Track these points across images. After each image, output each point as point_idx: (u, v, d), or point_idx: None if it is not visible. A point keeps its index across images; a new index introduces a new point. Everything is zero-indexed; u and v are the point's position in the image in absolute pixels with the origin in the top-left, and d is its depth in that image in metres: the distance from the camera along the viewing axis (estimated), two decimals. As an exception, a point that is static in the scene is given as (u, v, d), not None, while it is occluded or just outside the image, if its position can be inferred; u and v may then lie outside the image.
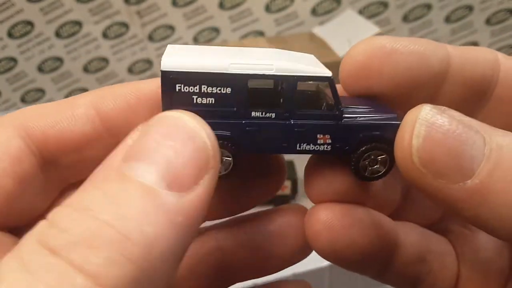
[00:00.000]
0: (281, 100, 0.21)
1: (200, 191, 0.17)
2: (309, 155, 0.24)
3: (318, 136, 0.22)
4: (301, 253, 0.27)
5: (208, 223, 0.28)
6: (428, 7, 1.15)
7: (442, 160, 0.18)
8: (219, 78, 0.20)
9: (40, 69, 1.11)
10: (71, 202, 0.16)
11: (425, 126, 0.18)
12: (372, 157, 0.22)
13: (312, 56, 0.24)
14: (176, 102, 0.20)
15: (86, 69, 1.13)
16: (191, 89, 0.20)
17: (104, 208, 0.15)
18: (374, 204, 0.25)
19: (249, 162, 0.26)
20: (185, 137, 0.17)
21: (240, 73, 0.20)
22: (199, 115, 0.19)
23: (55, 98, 0.84)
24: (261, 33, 1.13)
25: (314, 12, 1.12)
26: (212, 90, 0.20)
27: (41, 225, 0.16)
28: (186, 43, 1.12)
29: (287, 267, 0.28)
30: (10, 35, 1.08)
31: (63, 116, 0.23)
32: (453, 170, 0.18)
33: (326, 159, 0.24)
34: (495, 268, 0.26)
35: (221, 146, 0.21)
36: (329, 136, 0.22)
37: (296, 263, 0.28)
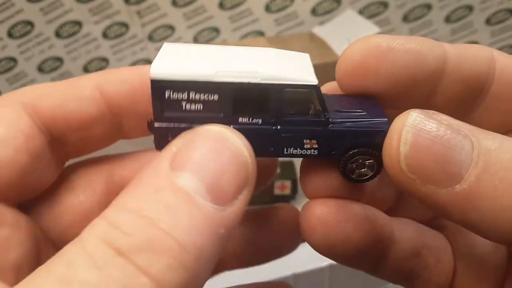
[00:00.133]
0: (268, 106, 0.21)
1: (238, 206, 0.19)
2: None
3: (305, 141, 0.22)
4: (290, 247, 0.30)
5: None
6: (428, 7, 1.14)
7: (430, 166, 0.18)
8: (205, 86, 0.20)
9: (40, 69, 1.11)
10: (130, 207, 0.17)
11: (412, 133, 0.18)
12: (360, 161, 0.22)
13: (307, 56, 0.24)
14: (166, 108, 0.21)
15: (86, 69, 1.13)
16: (180, 95, 0.21)
17: (163, 218, 0.17)
18: (369, 200, 0.25)
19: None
20: (230, 155, 0.19)
21: (225, 82, 0.20)
22: (189, 120, 0.20)
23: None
24: (261, 33, 1.13)
25: (314, 12, 1.12)
26: (200, 97, 0.21)
27: (101, 225, 0.17)
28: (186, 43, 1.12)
29: (275, 259, 0.30)
30: (10, 35, 1.08)
31: (70, 96, 0.24)
32: (442, 176, 0.18)
33: None
34: (491, 264, 0.26)
35: None
36: (315, 141, 0.22)
37: (284, 255, 0.30)
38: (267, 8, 1.10)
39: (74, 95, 0.24)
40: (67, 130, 0.24)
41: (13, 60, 1.11)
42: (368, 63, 0.22)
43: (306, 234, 0.24)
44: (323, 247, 0.24)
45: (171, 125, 0.21)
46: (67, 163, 0.27)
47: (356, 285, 0.61)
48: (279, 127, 0.22)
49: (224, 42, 1.11)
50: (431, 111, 0.19)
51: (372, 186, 0.25)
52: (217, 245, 0.18)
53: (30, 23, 1.07)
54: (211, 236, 0.18)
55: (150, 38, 1.11)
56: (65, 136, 0.24)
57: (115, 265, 0.16)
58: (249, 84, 0.20)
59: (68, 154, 0.26)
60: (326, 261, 0.57)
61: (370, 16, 1.12)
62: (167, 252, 0.16)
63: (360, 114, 0.22)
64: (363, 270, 0.27)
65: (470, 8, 1.16)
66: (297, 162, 0.81)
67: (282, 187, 0.78)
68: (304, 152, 0.22)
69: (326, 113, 0.22)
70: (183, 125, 0.21)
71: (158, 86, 0.20)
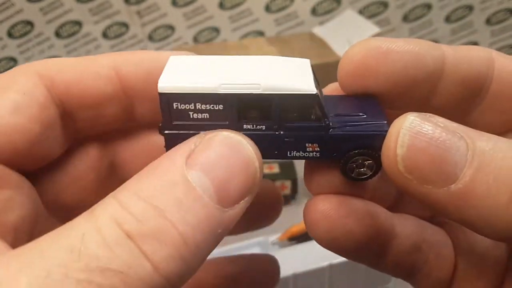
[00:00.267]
0: (270, 114, 0.23)
1: (238, 210, 0.20)
2: None
3: (307, 145, 0.23)
4: (269, 220, 0.32)
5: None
6: (428, 7, 1.15)
7: (426, 167, 0.19)
8: (210, 98, 0.22)
9: (40, 69, 1.11)
10: (144, 195, 0.19)
11: (409, 135, 0.19)
12: (360, 161, 0.23)
13: (307, 62, 0.25)
14: (174, 117, 0.23)
15: (86, 69, 1.13)
16: (187, 106, 0.22)
17: (172, 211, 0.18)
18: (371, 197, 0.26)
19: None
20: (242, 163, 0.20)
21: (229, 93, 0.22)
22: (196, 127, 0.22)
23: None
24: (261, 33, 1.13)
25: (314, 12, 1.12)
26: (205, 107, 0.22)
27: (114, 206, 0.18)
28: (186, 43, 1.13)
29: (252, 230, 0.32)
30: (10, 35, 1.08)
31: (87, 73, 0.24)
32: (437, 176, 0.19)
33: None
34: (491, 260, 0.26)
35: None
36: (317, 145, 0.23)
37: (262, 227, 0.33)
38: (267, 8, 1.10)
39: (91, 72, 0.24)
40: (80, 106, 0.25)
41: (13, 60, 1.11)
42: (368, 64, 0.23)
43: (310, 228, 0.25)
44: (326, 241, 0.25)
45: (180, 132, 0.23)
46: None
47: (356, 285, 0.61)
48: (281, 132, 0.23)
49: (224, 42, 1.11)
50: (428, 114, 0.20)
51: (374, 183, 0.26)
52: (213, 243, 0.19)
53: (30, 23, 1.07)
54: (210, 234, 0.19)
55: (150, 38, 1.11)
56: (77, 112, 0.25)
57: (123, 246, 0.17)
58: (251, 94, 0.22)
59: (77, 131, 0.26)
60: (326, 261, 0.57)
61: (370, 16, 1.12)
62: (171, 243, 0.18)
63: (359, 117, 0.23)
64: (365, 264, 0.27)
65: (470, 8, 1.16)
66: (297, 162, 0.81)
67: (282, 187, 0.78)
68: (306, 154, 0.24)
69: (326, 119, 0.23)
70: (191, 132, 0.22)
71: (166, 99, 0.22)
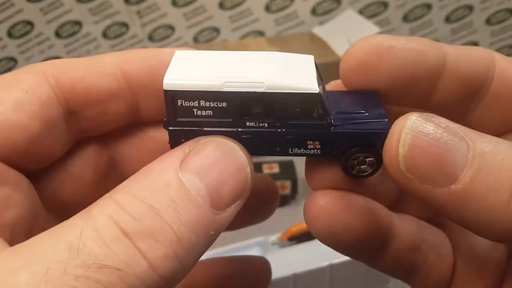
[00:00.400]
0: (273, 112, 0.23)
1: (230, 213, 0.21)
2: None
3: (308, 142, 0.23)
4: (266, 215, 0.32)
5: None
6: (428, 7, 1.15)
7: (427, 167, 0.19)
8: (214, 95, 0.22)
9: (40, 69, 1.11)
10: (140, 195, 0.19)
11: (410, 135, 0.19)
12: (361, 158, 0.24)
13: (311, 58, 0.25)
14: (179, 114, 0.23)
15: (86, 69, 1.13)
16: (191, 103, 0.23)
17: (168, 212, 0.19)
18: (371, 195, 0.26)
19: None
20: (235, 169, 0.21)
21: (232, 91, 0.22)
22: (200, 124, 0.23)
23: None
24: (261, 33, 1.13)
25: (314, 12, 1.12)
26: (209, 104, 0.23)
27: (111, 205, 0.19)
28: (186, 43, 1.13)
29: (248, 226, 0.33)
30: (10, 35, 1.08)
31: (92, 71, 0.25)
32: (438, 176, 0.19)
33: None
34: (491, 261, 0.26)
35: None
36: (318, 142, 0.23)
37: (258, 223, 0.33)
38: (267, 8, 1.10)
39: (96, 70, 0.25)
40: (86, 104, 0.25)
41: (13, 60, 1.11)
42: (370, 60, 0.23)
43: (310, 222, 0.25)
44: (326, 236, 0.25)
45: (184, 128, 0.23)
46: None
47: (356, 285, 0.61)
48: (283, 130, 0.23)
49: (224, 42, 1.11)
50: (430, 114, 0.20)
51: (374, 181, 0.26)
52: (206, 244, 0.20)
53: (30, 23, 1.07)
54: (203, 235, 0.20)
55: (150, 38, 1.11)
56: (82, 110, 0.25)
57: (120, 244, 0.17)
58: (254, 93, 0.22)
59: (82, 131, 0.26)
60: (326, 261, 0.57)
61: (370, 16, 1.13)
62: (167, 242, 0.18)
63: (361, 115, 0.23)
64: (364, 261, 0.27)
65: (470, 8, 1.16)
66: (297, 162, 0.81)
67: (282, 187, 0.78)
68: (308, 151, 0.24)
69: (328, 117, 0.23)
70: (195, 129, 0.23)
71: (171, 96, 0.23)
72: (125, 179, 0.20)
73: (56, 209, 0.26)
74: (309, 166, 0.25)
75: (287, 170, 0.80)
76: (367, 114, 0.23)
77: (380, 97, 0.24)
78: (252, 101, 0.22)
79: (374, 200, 0.26)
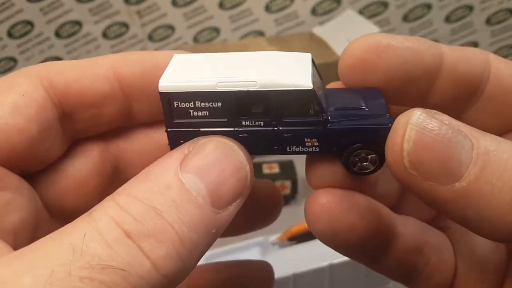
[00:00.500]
0: (268, 110, 0.23)
1: (230, 211, 0.21)
2: None
3: (306, 140, 0.23)
4: (271, 218, 0.32)
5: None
6: (428, 7, 1.15)
7: (431, 164, 0.19)
8: (208, 96, 0.23)
9: (40, 69, 1.11)
10: (141, 197, 0.19)
11: (415, 131, 0.19)
12: (363, 154, 0.23)
13: (308, 56, 0.25)
14: (176, 115, 0.23)
15: (86, 69, 1.13)
16: (187, 104, 0.23)
17: (169, 212, 0.19)
18: (373, 194, 0.26)
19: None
20: (234, 168, 0.21)
21: (226, 91, 0.22)
22: (197, 124, 0.23)
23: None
24: (261, 33, 1.13)
25: (314, 12, 1.12)
26: (205, 105, 0.23)
27: (113, 207, 0.19)
28: (186, 43, 1.13)
29: (254, 230, 0.33)
30: (10, 35, 1.08)
31: (86, 73, 0.25)
32: (442, 173, 0.19)
33: None
34: (491, 265, 0.26)
35: None
36: (316, 140, 0.23)
37: (264, 227, 0.33)
38: (267, 8, 1.10)
39: (89, 72, 0.25)
40: (79, 106, 0.25)
41: (13, 60, 1.11)
42: (368, 58, 0.23)
43: (311, 222, 0.25)
44: (327, 235, 0.25)
45: (182, 129, 0.24)
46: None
47: (356, 285, 0.61)
48: (280, 128, 0.23)
49: (224, 42, 1.11)
50: (433, 111, 0.19)
51: (376, 181, 0.26)
52: (208, 243, 0.20)
53: (30, 23, 1.07)
54: (205, 234, 0.20)
55: (150, 38, 1.11)
56: (76, 112, 0.25)
57: (123, 245, 0.18)
58: (248, 92, 0.22)
59: (76, 132, 0.26)
60: (326, 261, 0.57)
61: (370, 16, 1.12)
62: (169, 242, 0.18)
63: (360, 111, 0.23)
64: (365, 263, 0.27)
65: (470, 8, 1.16)
66: (297, 162, 0.81)
67: (282, 187, 0.78)
68: (306, 149, 0.24)
69: (323, 114, 0.23)
70: (192, 130, 0.23)
71: (166, 98, 0.23)
72: None
73: (61, 215, 0.26)
74: (309, 165, 0.25)
75: (287, 170, 0.80)
76: (366, 109, 0.23)
77: (383, 94, 0.24)
78: (246, 100, 0.22)
79: (376, 200, 0.26)
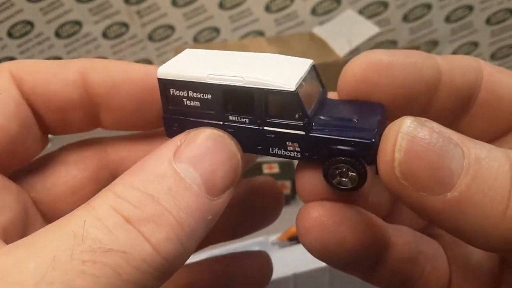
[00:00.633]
0: (253, 108, 0.23)
1: (224, 198, 0.22)
2: None
3: (288, 143, 0.23)
4: (272, 218, 0.33)
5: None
6: (428, 7, 1.15)
7: (422, 173, 0.18)
8: (199, 86, 0.23)
9: (40, 69, 1.11)
10: (137, 186, 0.20)
11: (406, 140, 0.18)
12: (344, 169, 0.23)
13: (308, 62, 0.25)
14: (171, 102, 0.24)
15: (86, 69, 1.13)
16: (181, 93, 0.24)
17: (166, 199, 0.19)
18: (365, 205, 0.26)
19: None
20: (226, 156, 0.22)
21: (214, 83, 0.23)
22: (189, 114, 0.24)
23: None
24: (261, 33, 1.13)
25: (314, 12, 1.12)
26: (196, 95, 0.24)
27: (110, 196, 0.19)
28: (186, 43, 1.13)
29: (257, 230, 0.33)
30: (10, 35, 1.08)
31: (55, 78, 0.25)
32: (434, 183, 0.18)
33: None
34: (485, 271, 0.26)
35: None
36: (297, 145, 0.23)
37: (266, 226, 0.33)
38: (267, 8, 1.10)
39: (58, 76, 0.25)
40: (46, 109, 0.25)
41: (13, 60, 1.11)
42: (370, 77, 0.23)
43: (302, 236, 0.24)
44: (319, 249, 0.24)
45: (176, 117, 0.24)
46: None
47: (356, 285, 0.61)
48: (264, 128, 0.23)
49: (224, 42, 1.11)
50: (423, 119, 0.19)
51: (367, 192, 0.26)
52: (205, 228, 0.21)
53: (30, 23, 1.07)
54: (201, 220, 0.20)
55: (150, 38, 1.11)
56: (44, 114, 0.25)
57: (123, 230, 0.18)
58: (234, 86, 0.23)
59: (48, 130, 0.26)
60: (326, 261, 0.57)
61: (370, 16, 1.12)
62: (168, 226, 0.19)
63: (348, 123, 0.23)
64: (359, 276, 0.27)
65: (470, 8, 1.16)
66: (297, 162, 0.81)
67: (282, 187, 0.78)
68: (287, 153, 0.24)
69: (306, 118, 0.22)
70: (185, 118, 0.24)
71: (163, 84, 0.24)
72: None
73: (52, 214, 0.26)
74: (299, 178, 0.25)
75: (287, 170, 0.80)
76: (356, 122, 0.22)
77: (385, 109, 0.23)
78: (233, 95, 0.23)
79: (368, 212, 0.25)
